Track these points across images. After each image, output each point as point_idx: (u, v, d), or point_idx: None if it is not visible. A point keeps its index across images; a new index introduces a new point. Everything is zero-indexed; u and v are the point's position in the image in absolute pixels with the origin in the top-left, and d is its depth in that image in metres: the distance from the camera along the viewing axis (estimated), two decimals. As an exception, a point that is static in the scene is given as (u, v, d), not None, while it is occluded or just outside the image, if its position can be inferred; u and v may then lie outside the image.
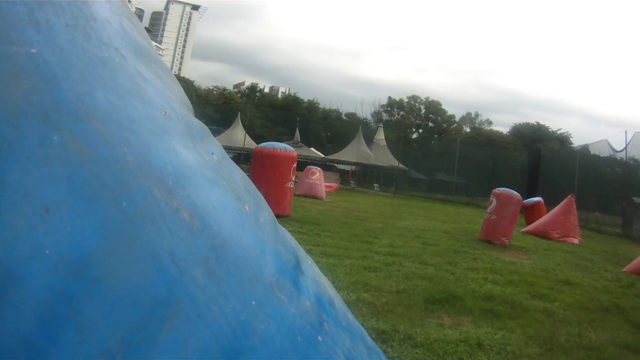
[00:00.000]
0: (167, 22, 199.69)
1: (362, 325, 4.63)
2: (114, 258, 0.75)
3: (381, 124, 68.19)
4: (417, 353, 4.41)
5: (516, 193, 13.76)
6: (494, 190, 14.04)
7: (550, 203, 19.67)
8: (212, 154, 1.12)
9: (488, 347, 4.80)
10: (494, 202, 13.56)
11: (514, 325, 5.61)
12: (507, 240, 13.16)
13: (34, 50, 0.82)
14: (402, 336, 4.73)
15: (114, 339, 0.72)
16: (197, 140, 1.08)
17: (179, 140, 1.00)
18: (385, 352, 4.28)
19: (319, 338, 1.02)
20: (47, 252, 0.69)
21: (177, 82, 1.27)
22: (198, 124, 1.16)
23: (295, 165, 13.78)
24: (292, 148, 13.91)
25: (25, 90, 0.78)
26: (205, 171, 1.02)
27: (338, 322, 1.15)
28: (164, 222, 0.82)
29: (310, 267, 1.25)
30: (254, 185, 1.27)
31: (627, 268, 11.06)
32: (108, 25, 1.01)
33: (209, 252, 0.88)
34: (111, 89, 0.90)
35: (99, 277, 0.72)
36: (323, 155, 52.36)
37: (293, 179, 13.57)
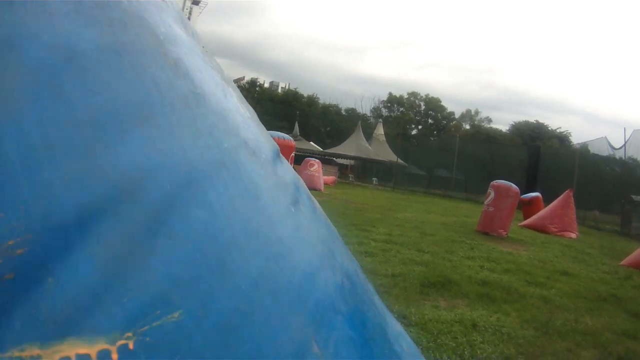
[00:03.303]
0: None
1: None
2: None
3: (380, 120, 68.16)
4: (410, 332, 4.38)
5: (514, 185, 13.73)
6: (492, 183, 14.01)
7: (549, 201, 19.58)
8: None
9: (483, 329, 4.77)
10: (492, 194, 13.53)
11: (510, 309, 5.58)
12: (505, 232, 13.13)
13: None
14: (396, 315, 4.63)
15: None
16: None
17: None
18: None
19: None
20: None
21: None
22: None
23: (293, 155, 13.74)
24: (290, 137, 13.90)
25: None
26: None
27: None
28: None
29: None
30: None
31: (624, 261, 11.03)
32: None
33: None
34: None
35: None
36: (322, 149, 52.36)
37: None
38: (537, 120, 77.54)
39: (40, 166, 0.69)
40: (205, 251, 0.83)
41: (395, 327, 1.41)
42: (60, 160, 0.71)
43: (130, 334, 0.68)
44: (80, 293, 0.66)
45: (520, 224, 17.27)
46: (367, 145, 53.04)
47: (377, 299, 1.40)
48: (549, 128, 74.56)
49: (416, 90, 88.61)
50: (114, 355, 0.66)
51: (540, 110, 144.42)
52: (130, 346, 0.68)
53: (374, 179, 49.15)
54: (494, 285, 6.59)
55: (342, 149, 51.88)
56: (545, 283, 7.31)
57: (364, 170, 54.37)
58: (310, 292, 1.02)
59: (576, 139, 69.56)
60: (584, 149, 37.50)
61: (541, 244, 12.89)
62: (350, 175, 50.25)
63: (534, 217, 17.70)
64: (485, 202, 13.79)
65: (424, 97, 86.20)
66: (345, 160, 53.75)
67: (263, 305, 0.88)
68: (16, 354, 0.62)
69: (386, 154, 51.92)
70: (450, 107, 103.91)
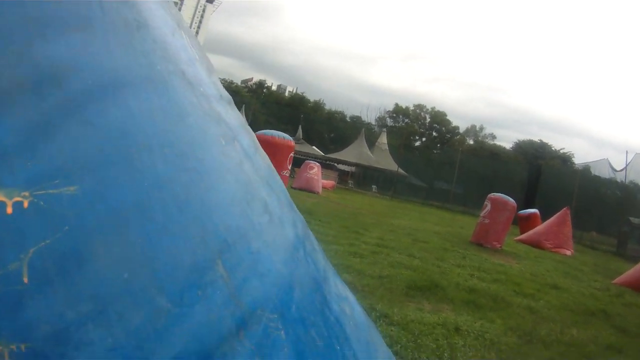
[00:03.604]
0: (181, 13, 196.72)
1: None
2: None
3: (384, 129, 68.06)
4: (391, 330, 4.33)
5: (511, 199, 13.65)
6: (489, 195, 13.95)
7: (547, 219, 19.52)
8: None
9: (466, 333, 4.70)
10: (489, 206, 13.46)
11: (495, 316, 5.51)
12: (499, 245, 13.05)
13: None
14: (378, 314, 4.64)
15: None
16: None
17: None
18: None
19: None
20: None
21: None
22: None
23: (292, 155, 13.70)
24: (290, 137, 13.86)
25: None
26: None
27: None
28: None
29: None
30: None
31: (617, 280, 10.95)
32: None
33: None
34: None
35: None
36: (323, 154, 52.31)
37: (289, 167, 13.49)
38: (541, 140, 77.41)
39: None
40: (115, 144, 0.90)
41: (339, 290, 1.38)
42: (1, 43, 0.82)
43: (27, 194, 0.76)
44: None
45: (515, 239, 17.20)
46: (369, 153, 53.00)
47: (321, 257, 1.39)
48: (553, 148, 74.33)
49: (423, 103, 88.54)
50: (9, 209, 0.73)
51: (544, 130, 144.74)
52: (25, 205, 0.75)
53: (373, 186, 49.07)
54: (481, 293, 6.52)
55: (344, 155, 51.85)
56: (534, 295, 7.23)
57: (364, 178, 54.24)
58: (224, 216, 1.06)
59: (579, 161, 69.62)
60: (585, 170, 37.55)
61: (534, 258, 12.82)
62: (350, 181, 50.20)
63: (530, 232, 17.64)
64: (481, 214, 13.72)
65: (430, 110, 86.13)
66: (346, 166, 53.65)
67: (165, 209, 0.93)
68: None
69: (387, 163, 51.84)
70: (455, 121, 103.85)
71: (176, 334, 0.87)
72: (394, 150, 55.76)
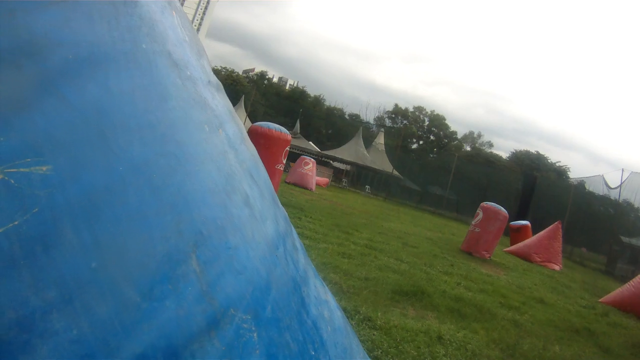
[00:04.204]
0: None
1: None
2: None
3: (382, 129, 68.01)
4: (373, 334, 4.29)
5: (503, 209, 13.60)
6: (482, 204, 13.89)
7: (538, 232, 19.50)
8: None
9: (448, 342, 4.66)
10: (480, 215, 13.41)
11: (479, 327, 5.48)
12: (488, 255, 13.01)
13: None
14: (362, 317, 4.61)
15: None
16: None
17: None
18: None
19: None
20: None
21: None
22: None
23: (287, 149, 13.58)
24: (286, 131, 13.73)
25: None
26: None
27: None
28: None
29: None
30: None
31: (604, 299, 10.93)
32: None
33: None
34: None
35: None
36: (320, 150, 52.20)
37: (284, 161, 13.40)
38: (537, 152, 77.55)
39: None
40: (90, 122, 0.88)
41: (319, 293, 1.34)
42: None
43: None
44: None
45: (505, 250, 17.19)
46: (365, 152, 52.88)
47: (302, 257, 1.35)
48: (549, 160, 74.49)
49: (422, 106, 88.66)
50: (-21, 186, 0.69)
51: (542, 142, 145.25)
52: (-5, 181, 0.70)
53: (367, 187, 49.03)
54: (467, 303, 6.48)
55: (340, 152, 51.73)
56: (520, 308, 7.20)
57: (358, 177, 54.21)
58: (201, 206, 1.03)
59: (574, 175, 69.79)
60: (580, 186, 37.58)
61: (522, 270, 12.79)
62: (344, 179, 50.15)
63: (520, 244, 17.59)
64: (473, 223, 13.68)
65: (429, 113, 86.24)
66: (341, 164, 53.58)
67: (139, 194, 0.91)
68: None
69: (383, 164, 51.77)
70: (453, 126, 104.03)
71: (144, 330, 0.84)
72: (390, 151, 55.71)
